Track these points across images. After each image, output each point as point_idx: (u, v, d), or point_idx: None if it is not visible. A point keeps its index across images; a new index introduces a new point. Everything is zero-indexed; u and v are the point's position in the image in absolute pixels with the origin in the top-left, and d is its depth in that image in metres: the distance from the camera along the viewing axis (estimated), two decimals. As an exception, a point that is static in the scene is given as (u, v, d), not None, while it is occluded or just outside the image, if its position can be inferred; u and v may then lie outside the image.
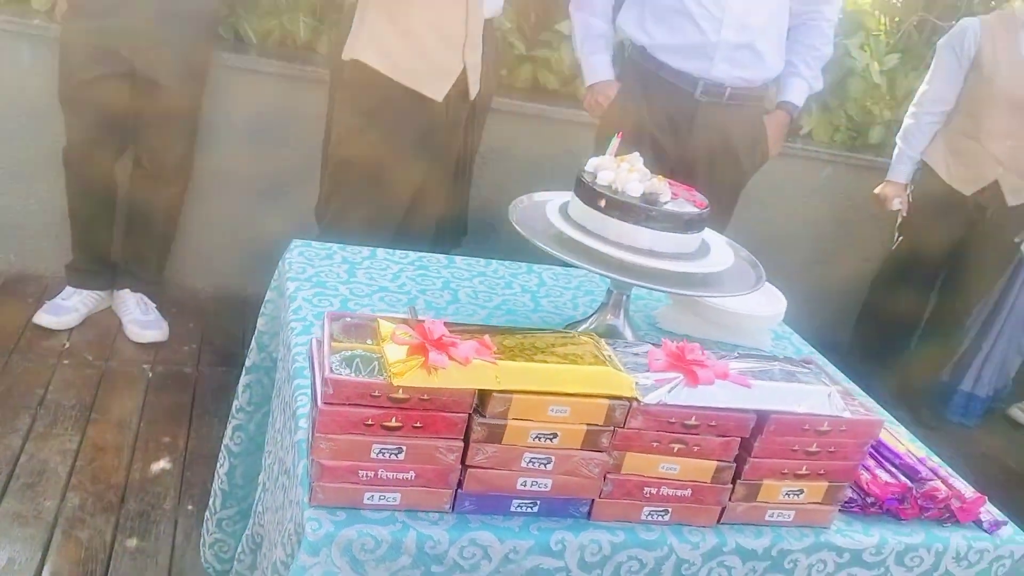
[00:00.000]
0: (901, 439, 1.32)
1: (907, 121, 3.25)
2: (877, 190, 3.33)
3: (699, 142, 2.51)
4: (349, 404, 0.96)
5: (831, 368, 1.59)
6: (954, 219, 3.19)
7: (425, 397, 0.97)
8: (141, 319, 2.93)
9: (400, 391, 0.96)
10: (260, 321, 1.66)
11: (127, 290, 2.98)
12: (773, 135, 2.59)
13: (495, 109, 2.95)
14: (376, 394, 0.96)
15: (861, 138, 3.89)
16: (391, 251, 1.76)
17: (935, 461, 1.33)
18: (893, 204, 3.27)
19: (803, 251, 3.86)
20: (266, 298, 1.66)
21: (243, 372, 1.69)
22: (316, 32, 3.24)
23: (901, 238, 3.35)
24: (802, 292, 3.94)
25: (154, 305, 3.01)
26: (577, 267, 1.35)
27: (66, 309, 2.91)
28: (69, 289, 2.96)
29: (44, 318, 2.87)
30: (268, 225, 3.12)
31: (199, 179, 3.05)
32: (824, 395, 1.10)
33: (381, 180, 2.28)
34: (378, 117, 2.25)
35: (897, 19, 3.96)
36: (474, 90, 2.39)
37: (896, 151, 3.27)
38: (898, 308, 3.41)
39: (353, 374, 0.96)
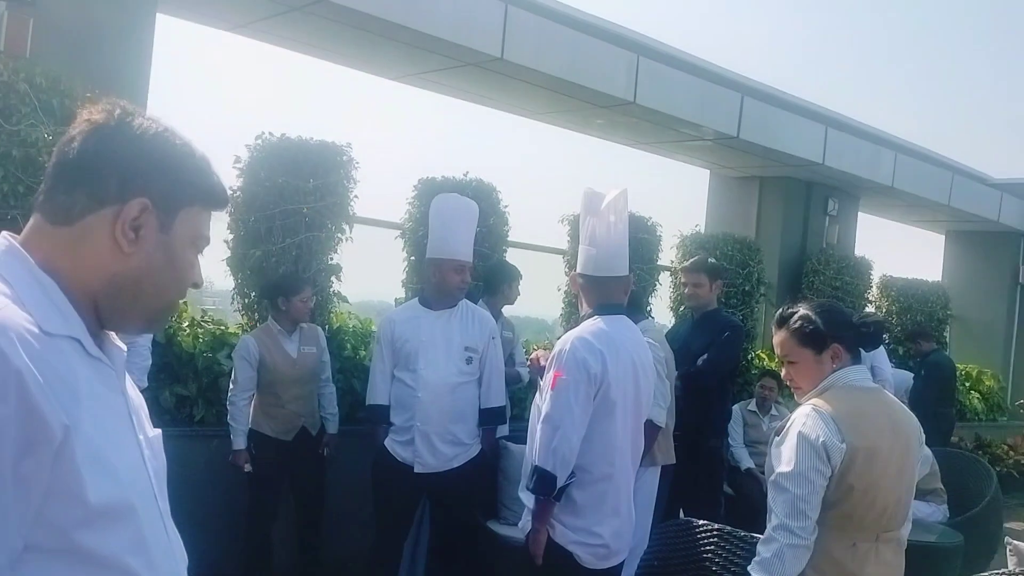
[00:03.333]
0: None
1: (228, 406, 4.39)
2: (230, 459, 4.38)
3: None
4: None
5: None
6: (284, 459, 4.41)
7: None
8: None
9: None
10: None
11: None
12: None
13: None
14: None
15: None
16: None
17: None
18: (245, 467, 4.36)
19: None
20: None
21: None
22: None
23: (255, 482, 4.41)
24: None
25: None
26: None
27: None
28: None
29: None
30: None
31: None
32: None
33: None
34: None
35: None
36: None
37: (231, 429, 4.37)
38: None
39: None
